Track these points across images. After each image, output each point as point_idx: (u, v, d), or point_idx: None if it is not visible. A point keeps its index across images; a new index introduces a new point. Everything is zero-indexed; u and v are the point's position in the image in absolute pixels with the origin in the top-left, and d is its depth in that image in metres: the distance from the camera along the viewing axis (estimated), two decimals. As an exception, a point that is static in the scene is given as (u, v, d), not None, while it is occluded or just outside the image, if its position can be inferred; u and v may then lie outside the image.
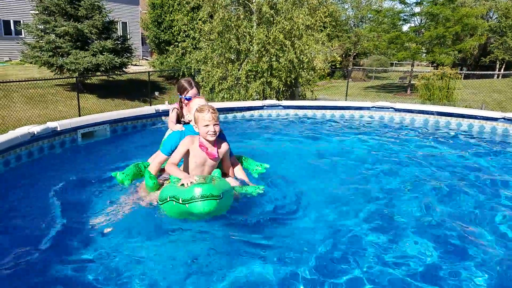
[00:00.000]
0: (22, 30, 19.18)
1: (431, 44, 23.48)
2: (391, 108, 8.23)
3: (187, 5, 15.33)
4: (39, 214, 3.44)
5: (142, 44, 32.87)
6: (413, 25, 26.18)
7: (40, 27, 16.78)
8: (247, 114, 8.04)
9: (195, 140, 3.31)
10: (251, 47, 12.66)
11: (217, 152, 3.38)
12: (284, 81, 13.02)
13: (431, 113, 7.95)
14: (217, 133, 3.26)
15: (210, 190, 2.67)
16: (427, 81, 16.64)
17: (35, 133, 4.98)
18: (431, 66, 37.82)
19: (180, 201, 2.74)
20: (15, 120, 11.97)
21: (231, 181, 3.60)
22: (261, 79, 12.76)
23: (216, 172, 3.23)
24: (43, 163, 4.89)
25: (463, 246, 3.02)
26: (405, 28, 26.78)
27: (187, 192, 2.69)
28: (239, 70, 13.07)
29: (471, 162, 5.25)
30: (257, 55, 12.60)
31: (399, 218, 3.48)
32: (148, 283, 2.50)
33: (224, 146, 3.45)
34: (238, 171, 3.81)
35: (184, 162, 3.40)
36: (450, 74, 16.15)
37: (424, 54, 25.67)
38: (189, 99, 3.84)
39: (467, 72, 29.73)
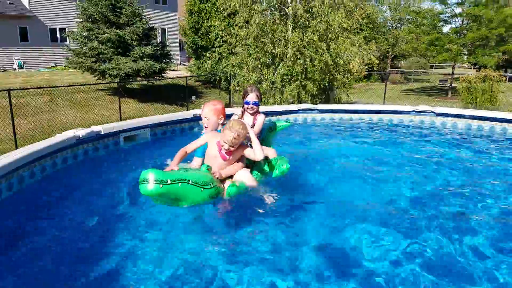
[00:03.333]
0: (67, 37, 20.16)
1: (473, 45, 22.57)
2: (431, 112, 7.97)
3: (224, 11, 15.55)
4: (84, 211, 3.62)
5: (180, 50, 33.65)
6: (454, 26, 25.27)
7: (84, 34, 17.55)
8: (282, 118, 8.03)
9: (217, 136, 3.55)
10: (286, 51, 12.67)
11: (229, 157, 3.57)
12: (318, 84, 12.93)
13: (474, 117, 7.65)
14: (230, 149, 3.47)
15: (157, 175, 2.85)
16: (469, 84, 15.98)
17: (80, 136, 5.21)
18: (473, 68, 36.33)
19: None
20: (61, 124, 12.55)
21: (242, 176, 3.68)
22: (296, 83, 12.73)
23: (203, 167, 3.43)
24: (88, 165, 5.11)
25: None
26: (446, 29, 25.93)
27: (141, 175, 2.92)
28: (274, 74, 13.12)
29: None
30: (292, 59, 12.59)
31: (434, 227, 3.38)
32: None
33: (239, 153, 3.58)
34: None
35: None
36: (494, 77, 15.43)
37: (466, 56, 24.71)
38: (247, 103, 4.13)
39: (512, 74, 28.31)
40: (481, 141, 6.73)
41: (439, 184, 4.43)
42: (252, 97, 4.14)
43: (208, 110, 3.85)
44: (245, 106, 4.19)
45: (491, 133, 7.29)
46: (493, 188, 4.33)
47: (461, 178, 4.66)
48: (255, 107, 4.15)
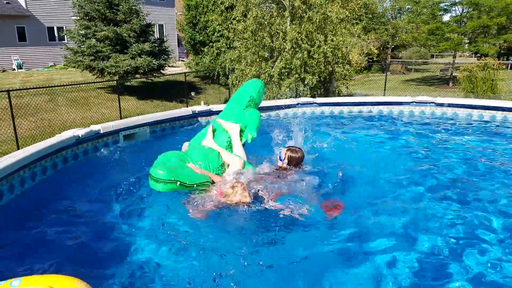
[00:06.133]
0: (65, 36, 20.12)
1: (474, 34, 22.44)
2: (431, 102, 7.93)
3: (221, 5, 15.47)
4: (84, 211, 3.63)
5: (178, 46, 33.53)
6: (454, 15, 25.08)
7: (82, 32, 17.51)
8: (281, 113, 8.01)
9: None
10: (284, 44, 12.59)
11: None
12: (318, 76, 12.86)
13: (474, 107, 7.61)
14: None
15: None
16: (470, 72, 15.91)
17: (80, 136, 5.21)
18: (475, 57, 36.14)
19: None
20: (61, 123, 12.57)
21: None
22: (294, 76, 12.67)
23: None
24: (88, 164, 5.12)
25: None
26: (446, 18, 25.78)
27: None
28: (272, 67, 13.06)
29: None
30: (290, 52, 12.52)
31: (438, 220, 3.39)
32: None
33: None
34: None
35: None
36: (493, 65, 15.36)
37: (467, 45, 24.58)
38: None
39: (513, 61, 28.17)
40: (482, 131, 6.71)
41: (444, 175, 4.43)
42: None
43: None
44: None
45: (493, 121, 7.25)
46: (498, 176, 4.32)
47: (465, 168, 4.65)
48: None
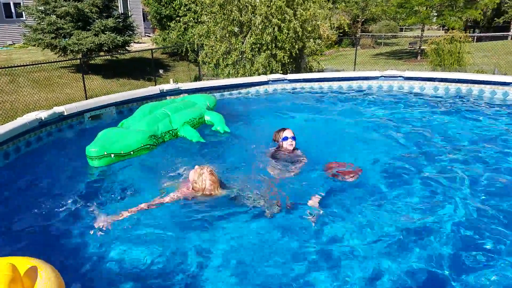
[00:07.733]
0: (23, 12, 18.99)
1: (442, 7, 22.73)
2: (400, 76, 8.05)
3: (187, -23, 14.86)
4: (48, 197, 3.51)
5: (144, 21, 32.39)
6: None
7: (41, 8, 16.54)
8: (252, 90, 7.93)
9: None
10: (253, 18, 12.33)
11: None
12: (289, 52, 12.74)
13: (440, 80, 7.79)
14: None
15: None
16: (437, 46, 16.15)
17: (43, 118, 5.01)
18: (442, 30, 36.74)
19: None
20: (24, 105, 12.01)
21: None
22: (266, 52, 12.50)
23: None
24: (52, 148, 4.94)
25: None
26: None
27: None
28: (243, 43, 12.82)
29: (482, 129, 5.17)
30: (260, 27, 12.29)
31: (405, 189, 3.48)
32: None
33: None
34: None
35: None
36: (460, 38, 15.65)
37: (435, 18, 24.91)
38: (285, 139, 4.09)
39: (479, 34, 28.81)
40: (449, 102, 6.89)
41: (413, 147, 4.54)
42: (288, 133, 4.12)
43: None
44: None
45: (458, 93, 7.46)
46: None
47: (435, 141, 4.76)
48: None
